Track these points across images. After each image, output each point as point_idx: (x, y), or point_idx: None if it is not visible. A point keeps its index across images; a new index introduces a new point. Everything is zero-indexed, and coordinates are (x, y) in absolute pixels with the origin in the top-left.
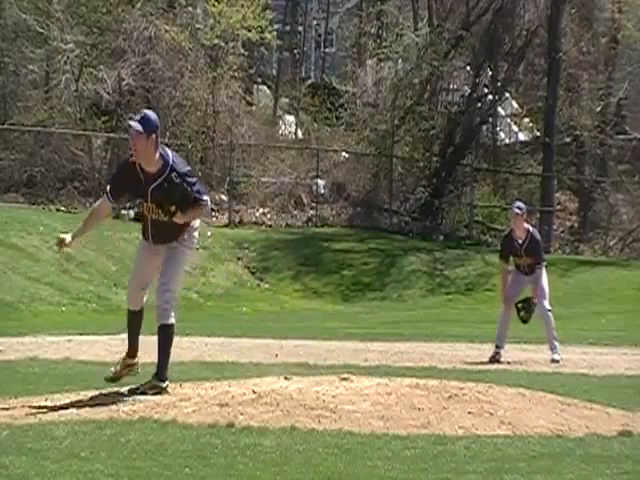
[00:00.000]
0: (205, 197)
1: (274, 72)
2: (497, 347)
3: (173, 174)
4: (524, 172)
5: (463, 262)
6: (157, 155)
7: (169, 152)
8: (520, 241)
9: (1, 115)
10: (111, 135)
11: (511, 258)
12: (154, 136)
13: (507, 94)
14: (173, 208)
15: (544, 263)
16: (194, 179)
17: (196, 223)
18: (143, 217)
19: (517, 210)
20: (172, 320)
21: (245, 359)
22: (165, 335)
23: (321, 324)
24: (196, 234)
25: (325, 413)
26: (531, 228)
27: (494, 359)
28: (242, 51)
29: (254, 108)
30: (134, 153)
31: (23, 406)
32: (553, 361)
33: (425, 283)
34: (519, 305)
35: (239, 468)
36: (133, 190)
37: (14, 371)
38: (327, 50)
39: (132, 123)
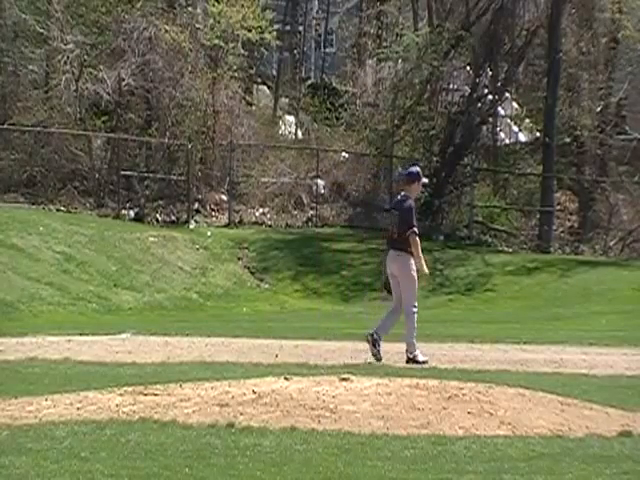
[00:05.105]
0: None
1: (274, 72)
2: None
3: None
4: (524, 172)
5: (463, 262)
6: None
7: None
8: None
9: (1, 115)
10: (111, 135)
11: None
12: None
13: (507, 94)
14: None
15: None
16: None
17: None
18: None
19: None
20: None
21: (245, 359)
22: None
23: (321, 324)
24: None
25: (325, 413)
26: None
27: None
28: (242, 51)
29: (254, 108)
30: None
31: (23, 406)
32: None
33: (425, 283)
34: None
35: (239, 468)
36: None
37: (14, 371)
38: (327, 50)
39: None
